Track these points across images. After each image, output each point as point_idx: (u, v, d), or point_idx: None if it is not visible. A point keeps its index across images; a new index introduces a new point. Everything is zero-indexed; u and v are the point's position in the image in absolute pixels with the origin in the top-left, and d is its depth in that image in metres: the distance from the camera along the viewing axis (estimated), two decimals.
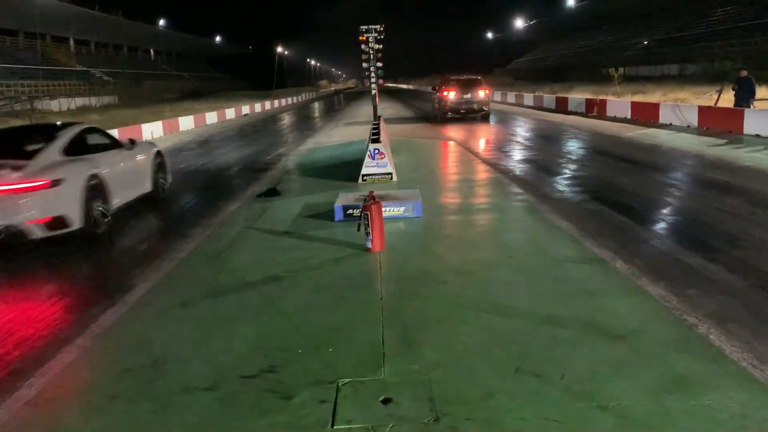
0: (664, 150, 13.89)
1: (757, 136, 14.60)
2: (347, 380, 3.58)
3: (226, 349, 4.16)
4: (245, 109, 42.48)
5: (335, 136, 20.63)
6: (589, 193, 9.24)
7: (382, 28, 14.01)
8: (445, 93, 23.84)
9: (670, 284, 5.09)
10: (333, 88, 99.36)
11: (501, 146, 16.25)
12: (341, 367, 3.76)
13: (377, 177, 10.38)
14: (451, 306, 4.74)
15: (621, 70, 45.01)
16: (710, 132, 16.20)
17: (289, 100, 62.66)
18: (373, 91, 14.55)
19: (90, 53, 70.31)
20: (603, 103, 24.99)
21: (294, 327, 4.49)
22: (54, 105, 44.82)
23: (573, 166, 12.17)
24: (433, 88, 28.67)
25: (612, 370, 3.61)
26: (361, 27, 14.14)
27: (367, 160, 10.43)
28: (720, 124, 16.36)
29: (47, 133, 8.21)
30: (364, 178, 10.40)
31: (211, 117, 33.56)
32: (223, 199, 9.99)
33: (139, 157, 9.74)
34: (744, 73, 16.93)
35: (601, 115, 23.96)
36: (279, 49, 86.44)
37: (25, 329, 4.94)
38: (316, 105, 51.43)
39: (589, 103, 26.12)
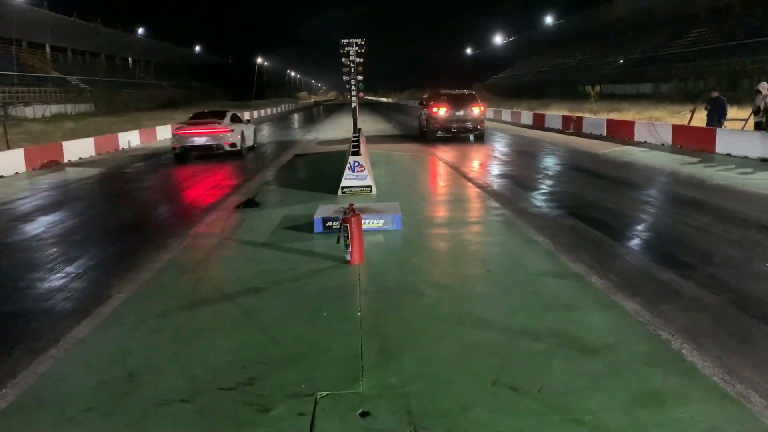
0: (639, 167, 14.14)
1: (728, 155, 14.94)
2: (325, 393, 3.58)
3: (203, 361, 4.13)
4: None
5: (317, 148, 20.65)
6: (566, 208, 9.36)
7: (363, 42, 14.08)
8: (434, 109, 20.97)
9: (644, 299, 5.17)
10: (313, 100, 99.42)
11: (480, 161, 16.39)
12: (319, 380, 3.76)
13: (357, 189, 10.41)
14: (429, 319, 4.77)
15: (597, 87, 45.79)
16: (683, 150, 16.53)
17: (269, 110, 62.49)
18: (354, 104, 14.61)
19: (66, 60, 69.46)
20: (579, 120, 25.35)
21: (272, 339, 4.47)
22: (29, 111, 44.19)
23: (549, 182, 12.32)
24: (421, 103, 24.62)
25: (587, 383, 3.66)
26: (342, 40, 14.21)
27: (346, 172, 10.46)
28: (693, 142, 16.71)
29: (223, 113, 19.05)
30: (344, 190, 10.41)
31: None
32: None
33: (251, 128, 20.89)
34: (715, 93, 17.33)
35: (578, 132, 24.31)
36: (259, 60, 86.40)
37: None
38: (296, 116, 51.36)
39: (566, 120, 26.48)
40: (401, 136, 25.77)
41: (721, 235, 7.40)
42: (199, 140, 17.00)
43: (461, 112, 20.69)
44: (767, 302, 5.15)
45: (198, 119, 18.34)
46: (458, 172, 13.51)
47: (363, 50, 14.48)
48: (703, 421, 3.21)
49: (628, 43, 66.57)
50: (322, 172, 14.24)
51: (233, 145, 17.28)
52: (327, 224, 7.53)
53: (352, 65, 13.77)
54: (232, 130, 17.38)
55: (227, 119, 18.01)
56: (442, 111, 20.73)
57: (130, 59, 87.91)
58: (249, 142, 19.56)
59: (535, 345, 4.23)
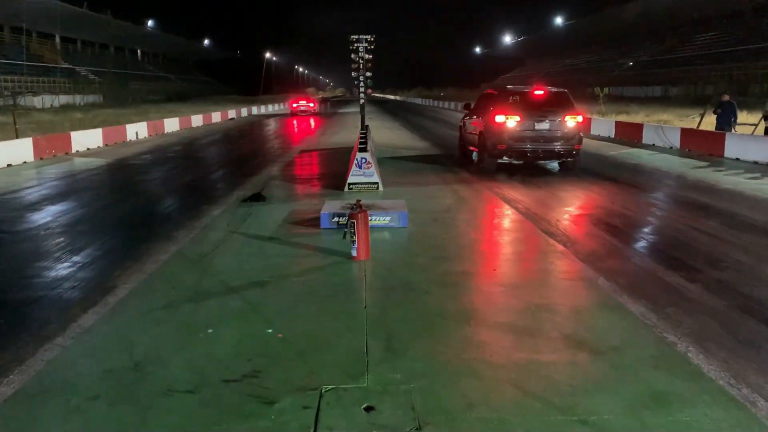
0: (648, 170, 14.08)
1: (737, 159, 14.86)
2: (330, 387, 3.59)
3: (209, 353, 4.14)
4: (231, 113, 42.36)
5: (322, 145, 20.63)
6: (573, 209, 9.33)
7: (372, 38, 14.04)
8: (499, 118, 12.38)
9: (650, 302, 5.15)
10: (320, 96, 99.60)
11: None
12: (324, 374, 3.77)
13: (363, 186, 10.41)
14: (434, 316, 4.77)
15: (606, 89, 45.60)
16: (692, 154, 16.45)
17: (276, 106, 62.56)
18: (362, 101, 14.58)
19: (76, 51, 69.63)
20: (587, 121, 25.27)
21: (278, 333, 4.48)
22: (37, 101, 44.28)
23: (557, 184, 12.28)
24: (467, 107, 15.62)
25: (593, 384, 3.66)
26: (352, 36, 14.17)
27: (353, 168, 10.46)
28: (702, 146, 16.63)
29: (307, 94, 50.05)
30: (350, 186, 10.42)
31: (197, 120, 33.39)
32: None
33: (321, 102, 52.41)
34: (726, 97, 17.24)
35: (586, 134, 24.22)
36: (267, 55, 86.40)
37: None
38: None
39: None
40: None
41: (728, 239, 7.37)
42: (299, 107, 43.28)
43: (546, 125, 12.23)
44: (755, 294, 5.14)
45: (297, 98, 45.46)
46: (465, 174, 13.44)
47: (372, 47, 14.44)
48: (707, 425, 3.21)
49: (638, 45, 66.28)
50: (328, 168, 14.25)
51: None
52: (334, 220, 7.53)
53: (361, 62, 13.72)
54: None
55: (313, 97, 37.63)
56: (512, 122, 12.18)
57: (139, 51, 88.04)
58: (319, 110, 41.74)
59: (541, 345, 4.22)
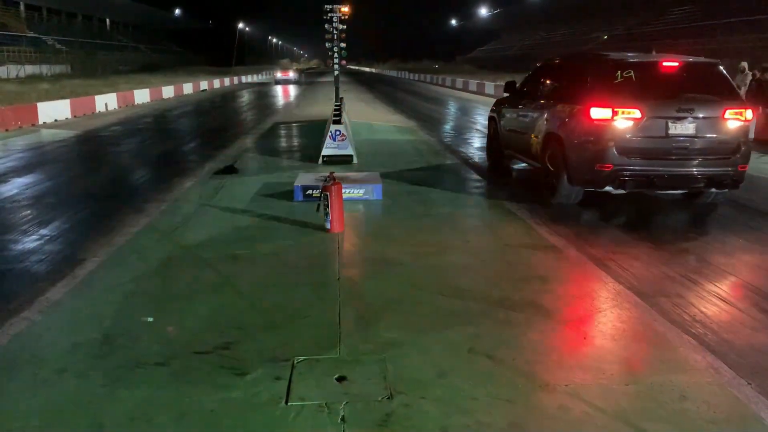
0: None
1: None
2: (302, 358, 3.59)
3: (179, 326, 4.11)
4: (203, 85, 41.66)
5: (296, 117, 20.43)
6: (526, 171, 9.38)
7: (346, 9, 13.87)
8: (598, 113, 6.82)
9: (619, 271, 5.22)
10: (295, 68, 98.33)
11: (462, 134, 16.37)
12: (297, 346, 3.76)
13: (338, 158, 10.33)
14: (407, 287, 4.78)
15: None
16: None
17: (249, 78, 61.68)
18: (336, 72, 14.44)
19: (42, 20, 67.45)
20: None
21: (250, 305, 4.46)
22: (2, 71, 43.00)
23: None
24: (509, 87, 9.78)
25: (561, 352, 3.72)
26: (326, 6, 13.99)
27: (327, 141, 10.38)
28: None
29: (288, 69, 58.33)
30: (325, 159, 10.34)
31: (168, 91, 32.77)
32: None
33: (298, 74, 60.13)
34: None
35: None
36: (240, 26, 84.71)
37: None
38: (277, 87, 50.72)
39: None
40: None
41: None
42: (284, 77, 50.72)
43: (689, 126, 6.79)
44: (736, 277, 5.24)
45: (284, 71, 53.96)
46: (435, 143, 13.35)
47: (346, 17, 14.26)
48: (673, 389, 3.28)
49: (613, 19, 66.39)
50: (302, 140, 14.12)
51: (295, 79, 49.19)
52: (307, 192, 7.48)
53: (335, 32, 13.57)
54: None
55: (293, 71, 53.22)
56: (626, 121, 6.77)
57: (108, 21, 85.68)
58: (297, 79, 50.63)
59: (512, 314, 4.27)
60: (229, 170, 9.64)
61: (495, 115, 10.24)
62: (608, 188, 6.98)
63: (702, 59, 7.62)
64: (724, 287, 5.05)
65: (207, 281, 4.94)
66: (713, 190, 7.15)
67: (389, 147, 12.68)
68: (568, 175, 7.23)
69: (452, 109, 26.43)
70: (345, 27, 14.12)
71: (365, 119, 18.04)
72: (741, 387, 3.33)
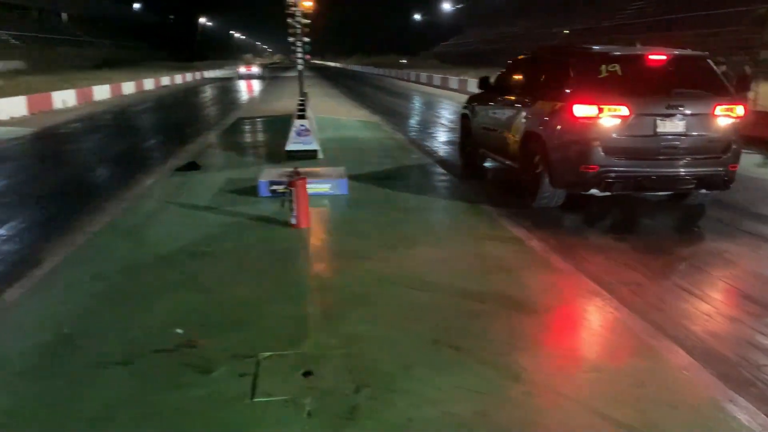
0: None
1: None
2: (268, 354, 3.57)
3: (142, 324, 4.04)
4: (165, 81, 40.98)
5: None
6: (500, 170, 9.50)
7: (309, 3, 13.79)
8: (582, 110, 6.39)
9: (579, 262, 5.32)
10: (258, 63, 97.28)
11: (428, 129, 16.44)
12: (262, 342, 3.74)
13: (302, 153, 10.26)
14: (373, 281, 4.79)
15: None
16: None
17: (212, 73, 60.92)
18: (300, 67, 14.35)
19: None
20: None
21: (214, 302, 4.42)
22: None
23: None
24: (482, 83, 9.32)
25: (525, 342, 3.77)
26: (288, 0, 13.87)
27: (292, 135, 10.30)
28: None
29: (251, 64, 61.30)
30: (289, 154, 10.26)
31: (129, 87, 32.14)
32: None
33: (261, 69, 59.98)
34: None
35: None
36: (201, 20, 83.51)
37: None
38: (240, 82, 50.18)
39: None
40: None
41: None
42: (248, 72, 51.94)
43: (678, 123, 6.39)
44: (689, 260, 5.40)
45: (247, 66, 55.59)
46: (400, 136, 13.36)
47: (310, 11, 14.18)
48: (632, 376, 3.36)
49: (574, 14, 67.34)
50: (266, 136, 14.00)
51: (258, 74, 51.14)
52: (272, 188, 7.41)
53: (298, 26, 13.46)
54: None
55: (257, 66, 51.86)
56: (612, 119, 6.33)
57: (64, 15, 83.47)
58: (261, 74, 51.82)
59: (477, 306, 4.31)
60: (192, 167, 9.51)
61: (468, 112, 9.78)
62: (593, 191, 6.53)
63: (690, 52, 7.22)
64: (682, 276, 5.18)
65: (170, 279, 4.88)
66: (703, 191, 6.82)
67: (355, 142, 12.66)
68: (550, 177, 6.80)
69: (417, 103, 26.51)
70: (308, 21, 14.03)
71: (330, 114, 17.97)
72: (697, 371, 3.43)
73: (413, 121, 18.92)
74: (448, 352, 3.64)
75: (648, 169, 6.43)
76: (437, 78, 40.25)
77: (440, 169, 9.61)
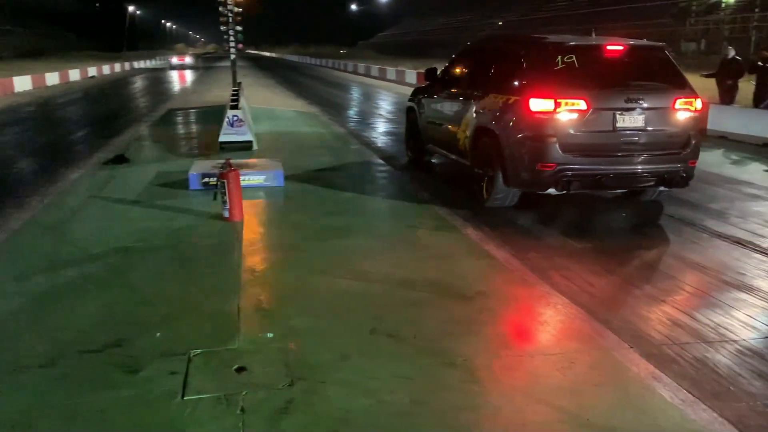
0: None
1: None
2: (199, 351, 3.47)
3: (66, 325, 3.86)
4: (92, 71, 39.38)
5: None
6: (447, 165, 9.59)
7: None
8: (539, 104, 6.03)
9: (513, 249, 5.42)
10: (190, 53, 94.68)
11: (366, 119, 16.40)
12: (193, 339, 3.63)
13: (236, 144, 10.06)
14: (309, 273, 4.73)
15: None
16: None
17: (143, 63, 58.98)
18: (233, 56, 14.04)
19: None
20: None
21: (143, 299, 4.26)
22: None
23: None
24: (429, 74, 8.90)
25: (460, 328, 3.81)
26: None
27: (225, 126, 10.07)
28: None
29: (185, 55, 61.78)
30: (222, 146, 10.03)
31: (53, 78, 30.71)
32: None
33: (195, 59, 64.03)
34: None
35: None
36: (130, 9, 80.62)
37: None
38: (172, 72, 48.74)
39: None
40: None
41: None
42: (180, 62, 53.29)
43: (638, 117, 6.13)
44: (619, 245, 5.59)
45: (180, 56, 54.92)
46: (339, 126, 13.30)
47: (242, 0, 13.87)
48: (563, 358, 3.44)
49: (507, 6, 68.55)
50: (199, 127, 13.64)
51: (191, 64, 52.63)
52: (203, 180, 7.23)
53: (230, 15, 13.15)
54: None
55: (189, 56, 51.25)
56: (569, 113, 5.99)
57: None
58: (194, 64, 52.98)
59: (413, 294, 4.32)
60: (120, 160, 9.16)
61: (414, 105, 9.30)
62: (552, 191, 6.15)
63: (647, 42, 7.03)
64: (611, 262, 5.34)
65: (96, 276, 4.68)
66: (661, 188, 6.65)
67: (291, 133, 12.50)
68: (504, 176, 6.40)
69: (355, 94, 26.42)
70: (240, 10, 13.72)
71: (266, 104, 17.67)
72: (624, 351, 3.54)
73: (351, 112, 18.84)
74: (386, 341, 3.64)
75: (607, 167, 6.14)
76: (375, 69, 40.22)
77: (379, 161, 9.60)
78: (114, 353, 3.49)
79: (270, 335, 3.69)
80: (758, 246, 5.55)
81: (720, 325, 3.98)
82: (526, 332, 3.82)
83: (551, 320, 3.96)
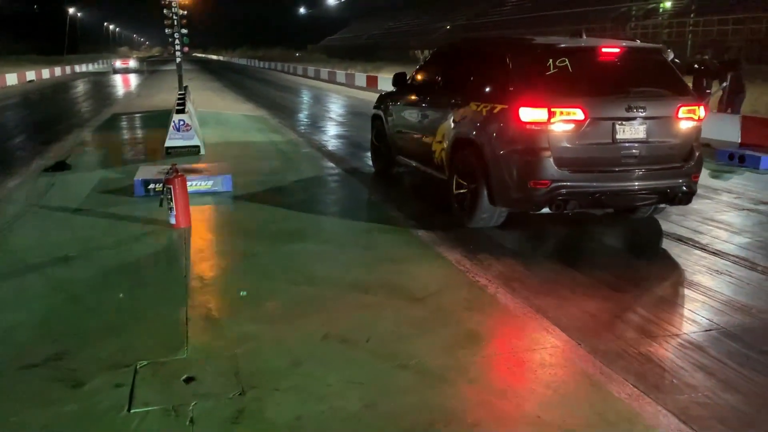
0: None
1: None
2: (146, 362, 3.37)
3: (4, 339, 3.70)
4: (30, 75, 38.03)
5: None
6: (400, 167, 9.63)
7: None
8: (530, 114, 5.35)
9: (464, 250, 5.46)
10: (135, 56, 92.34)
11: (316, 123, 16.33)
12: (140, 350, 3.53)
13: (183, 150, 9.86)
14: (260, 279, 4.67)
15: (426, 52, 47.35)
16: None
17: (85, 67, 57.32)
18: (178, 60, 13.76)
19: None
20: None
21: (86, 309, 4.13)
22: None
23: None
24: (398, 79, 8.28)
25: (413, 330, 3.82)
26: None
27: (171, 131, 9.86)
28: None
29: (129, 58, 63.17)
30: (169, 151, 9.82)
31: None
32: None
33: (139, 62, 61.22)
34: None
35: None
36: (71, 11, 78.18)
37: None
38: (116, 76, 47.45)
39: None
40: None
41: None
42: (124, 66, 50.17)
43: (638, 128, 5.50)
44: (569, 249, 5.71)
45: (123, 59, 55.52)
46: (292, 131, 13.19)
47: (187, 2, 13.62)
48: (513, 356, 3.49)
49: (455, 9, 69.41)
50: (144, 132, 13.32)
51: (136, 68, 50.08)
52: (149, 186, 7.05)
53: (175, 17, 12.90)
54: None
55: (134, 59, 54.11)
56: (565, 123, 5.34)
57: None
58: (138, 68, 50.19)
59: (365, 297, 4.32)
60: (61, 167, 8.85)
61: (381, 112, 8.60)
62: (545, 210, 5.53)
63: (643, 44, 6.31)
64: (563, 262, 5.45)
65: (36, 288, 4.51)
66: (664, 205, 6.08)
67: (239, 137, 12.33)
68: (490, 194, 5.72)
69: (305, 97, 26.26)
70: (186, 13, 13.46)
71: (213, 108, 17.39)
72: (573, 348, 3.62)
73: (301, 116, 18.70)
74: (338, 346, 3.62)
75: (606, 183, 5.52)
76: (325, 72, 40.11)
77: (330, 164, 9.57)
78: (55, 367, 3.36)
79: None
80: (698, 242, 5.75)
81: (662, 320, 4.10)
82: (477, 332, 3.84)
83: (503, 319, 4.01)
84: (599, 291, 4.62)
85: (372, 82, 30.09)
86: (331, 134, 13.73)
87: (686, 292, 4.65)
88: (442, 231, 6.01)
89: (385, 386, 3.18)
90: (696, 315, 4.21)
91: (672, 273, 5.10)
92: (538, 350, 3.57)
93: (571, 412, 2.95)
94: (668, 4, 38.74)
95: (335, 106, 21.21)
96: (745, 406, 3.10)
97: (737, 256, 5.33)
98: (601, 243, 6.02)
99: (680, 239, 5.87)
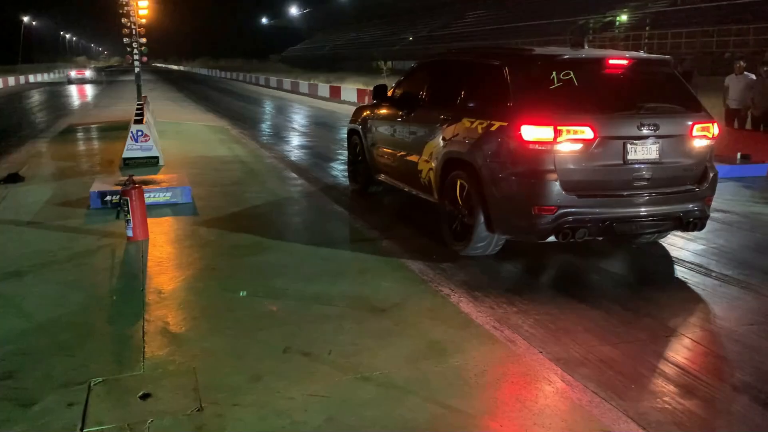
0: None
1: None
2: (100, 380, 3.27)
3: None
4: None
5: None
6: (379, 186, 9.62)
7: (145, 2, 13.03)
8: (533, 132, 4.79)
9: (428, 260, 5.47)
10: (93, 66, 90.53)
11: (279, 133, 16.23)
12: (94, 367, 3.42)
13: (142, 161, 9.68)
14: (219, 292, 4.59)
15: (389, 63, 47.65)
16: None
17: (39, 77, 56.00)
18: (137, 69, 13.54)
19: None
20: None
21: (38, 326, 3.99)
22: None
23: (346, 153, 12.56)
24: (378, 92, 7.49)
25: (376, 341, 3.79)
26: None
27: (129, 142, 9.67)
28: None
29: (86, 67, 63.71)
30: (127, 162, 9.63)
31: None
32: None
33: (96, 71, 65.28)
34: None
35: None
36: (25, 19, 76.36)
37: None
38: (71, 87, 46.45)
39: (361, 93, 27.24)
40: None
41: None
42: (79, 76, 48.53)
43: (651, 148, 5.02)
44: (530, 255, 5.77)
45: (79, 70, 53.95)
46: (254, 142, 13.08)
47: (146, 10, 13.41)
48: (476, 366, 3.49)
49: (417, 21, 70.09)
50: (101, 144, 13.04)
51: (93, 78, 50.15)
52: (105, 198, 6.89)
53: (133, 27, 12.69)
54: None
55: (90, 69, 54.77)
56: (572, 143, 4.80)
57: None
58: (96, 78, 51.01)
59: (327, 309, 4.27)
60: (14, 179, 8.59)
61: (359, 127, 7.94)
62: (551, 238, 4.95)
63: (651, 56, 5.88)
64: (524, 277, 5.50)
65: None
66: (677, 232, 5.71)
67: (200, 147, 12.16)
68: (488, 220, 5.19)
69: (267, 108, 26.11)
70: (144, 21, 13.26)
71: (173, 119, 17.14)
72: (533, 356, 3.64)
73: (264, 126, 18.57)
74: (299, 359, 3.57)
75: (616, 210, 5.00)
76: (287, 82, 40.01)
77: (293, 174, 9.50)
78: (5, 386, 3.24)
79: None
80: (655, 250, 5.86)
81: (623, 324, 4.16)
82: (441, 341, 3.83)
83: (465, 329, 4.00)
84: (559, 297, 4.67)
85: (335, 93, 30.13)
86: (294, 144, 13.66)
87: (644, 297, 4.72)
88: (406, 241, 6.01)
89: (347, 399, 3.15)
90: (655, 320, 4.28)
91: (630, 278, 5.17)
92: (503, 358, 3.58)
93: (535, 420, 2.96)
94: (624, 18, 39.83)
95: (298, 116, 21.12)
96: (703, 411, 3.16)
97: (692, 263, 5.46)
98: (564, 249, 6.10)
99: (639, 247, 5.97)
